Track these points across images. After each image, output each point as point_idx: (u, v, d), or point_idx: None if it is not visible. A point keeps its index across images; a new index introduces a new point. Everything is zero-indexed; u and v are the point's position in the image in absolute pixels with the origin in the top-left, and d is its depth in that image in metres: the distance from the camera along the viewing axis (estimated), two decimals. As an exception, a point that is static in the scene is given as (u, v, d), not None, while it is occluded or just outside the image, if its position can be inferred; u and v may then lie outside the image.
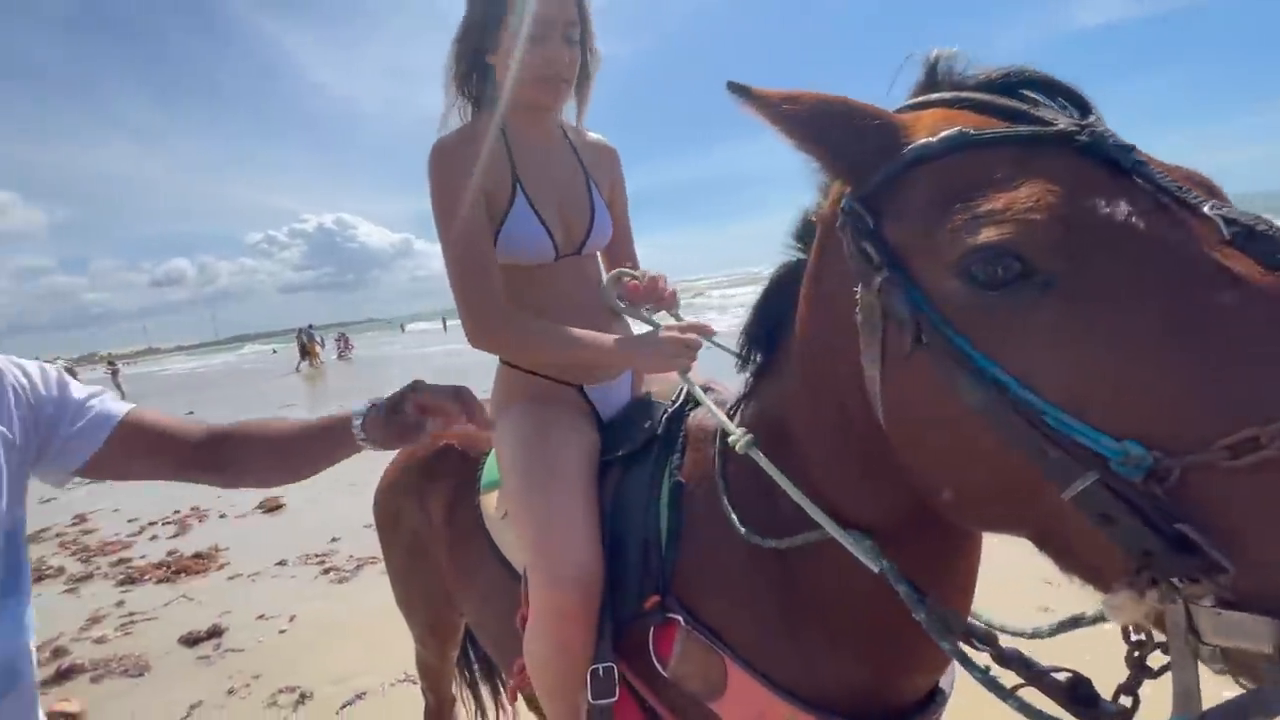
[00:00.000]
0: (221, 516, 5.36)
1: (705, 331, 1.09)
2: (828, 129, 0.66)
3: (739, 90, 0.68)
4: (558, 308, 1.21)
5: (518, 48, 1.13)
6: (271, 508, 5.35)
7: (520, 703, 1.24)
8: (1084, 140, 0.55)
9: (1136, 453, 0.46)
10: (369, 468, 1.68)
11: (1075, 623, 0.72)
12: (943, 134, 0.60)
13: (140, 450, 0.90)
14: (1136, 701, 0.56)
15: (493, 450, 1.42)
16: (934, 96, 0.67)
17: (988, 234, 0.53)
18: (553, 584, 1.00)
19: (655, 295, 1.24)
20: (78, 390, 0.88)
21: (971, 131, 0.58)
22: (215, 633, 3.29)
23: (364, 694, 2.65)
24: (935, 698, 0.92)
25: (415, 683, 1.95)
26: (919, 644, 0.80)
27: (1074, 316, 0.50)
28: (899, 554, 0.74)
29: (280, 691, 2.72)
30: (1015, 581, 0.82)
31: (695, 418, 1.09)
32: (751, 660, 0.86)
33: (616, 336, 1.12)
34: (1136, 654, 0.55)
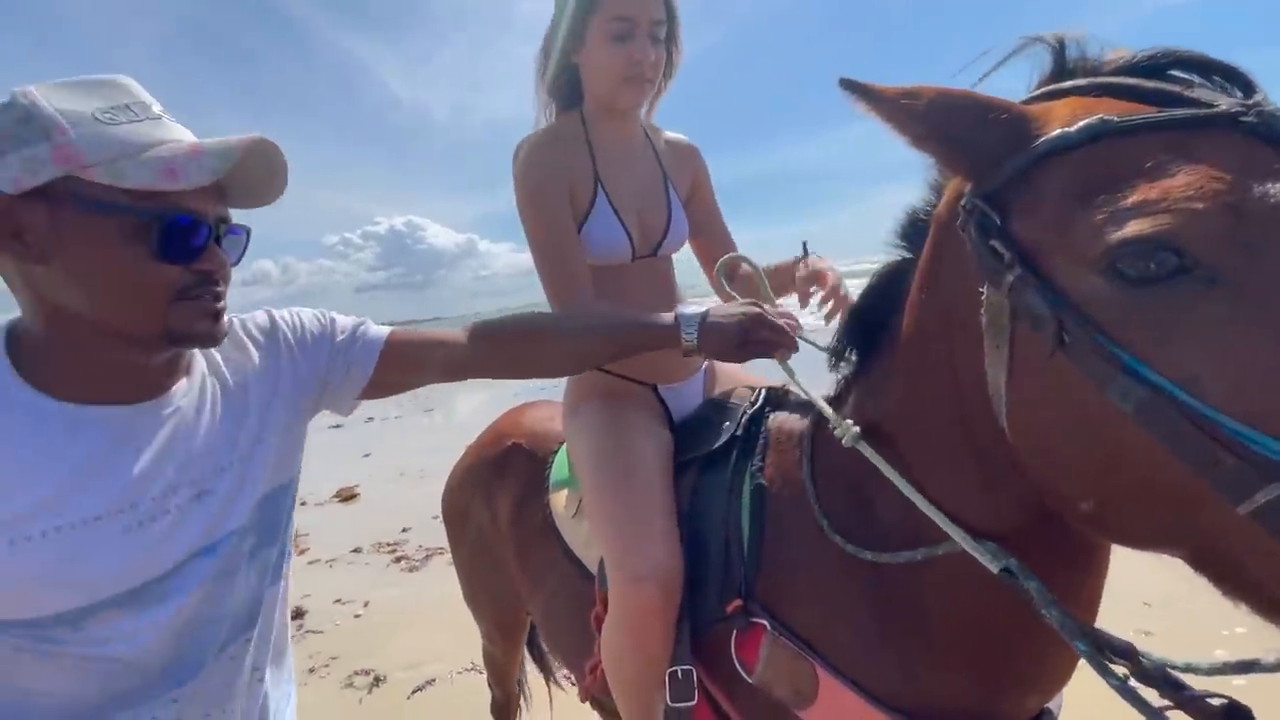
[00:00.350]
0: (302, 504, 5.66)
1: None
2: (950, 123, 0.61)
3: (854, 88, 0.65)
4: (637, 306, 1.19)
5: (603, 48, 1.12)
6: (347, 497, 5.61)
7: (572, 699, 1.23)
8: (1250, 121, 0.49)
9: None
10: (439, 461, 1.72)
11: (1248, 667, 0.63)
12: (1082, 122, 0.55)
13: (409, 366, 0.95)
14: None
15: (561, 448, 1.43)
16: (1067, 85, 0.62)
17: (1138, 226, 0.48)
18: (632, 581, 0.99)
19: (828, 287, 1.09)
20: (344, 322, 0.94)
21: (1115, 118, 0.53)
22: (298, 614, 3.47)
23: (433, 680, 2.73)
24: (1045, 715, 0.85)
25: (482, 673, 1.99)
26: (1032, 659, 0.75)
27: (1247, 313, 0.46)
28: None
29: (356, 674, 2.84)
30: (1109, 600, 0.76)
31: (777, 419, 1.05)
32: (845, 668, 0.83)
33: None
34: None
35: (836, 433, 0.85)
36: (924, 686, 0.80)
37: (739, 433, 1.08)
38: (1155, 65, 0.58)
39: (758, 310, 1.00)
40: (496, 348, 1.00)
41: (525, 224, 1.17)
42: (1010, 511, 0.70)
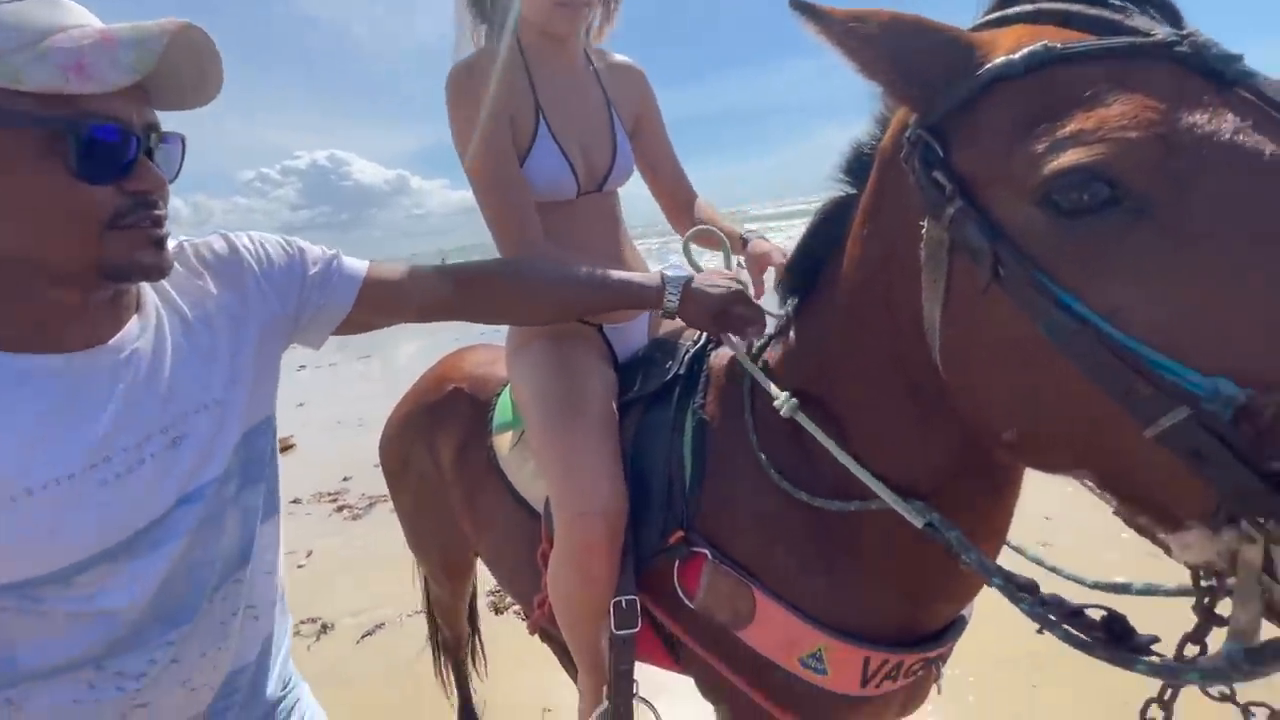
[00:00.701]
0: (233, 457, 5.45)
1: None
2: (898, 50, 0.60)
3: (803, 8, 0.62)
4: (577, 248, 1.17)
5: None
6: (284, 448, 5.43)
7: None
8: (1184, 51, 0.49)
9: (1228, 390, 0.44)
10: (378, 408, 1.67)
11: (1121, 589, 0.71)
12: (1025, 50, 0.54)
13: (386, 305, 0.91)
14: (1204, 651, 0.55)
15: (504, 391, 1.41)
16: (1012, 11, 0.61)
17: (1074, 155, 0.49)
18: (577, 518, 1.01)
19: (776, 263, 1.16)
20: (314, 253, 0.87)
21: (1058, 46, 0.53)
22: (235, 568, 3.40)
23: (382, 625, 2.75)
24: (957, 624, 0.94)
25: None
26: (954, 580, 0.81)
27: (1170, 246, 0.47)
28: (942, 500, 0.73)
29: (303, 622, 2.82)
30: (1015, 516, 0.85)
31: (719, 357, 1.07)
32: (781, 590, 0.88)
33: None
34: (1206, 600, 0.54)
35: (775, 404, 0.86)
36: (854, 604, 0.86)
37: (681, 371, 1.10)
38: None
39: (740, 288, 1.01)
40: (479, 292, 0.98)
41: (464, 159, 1.10)
42: (939, 448, 0.73)
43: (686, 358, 1.11)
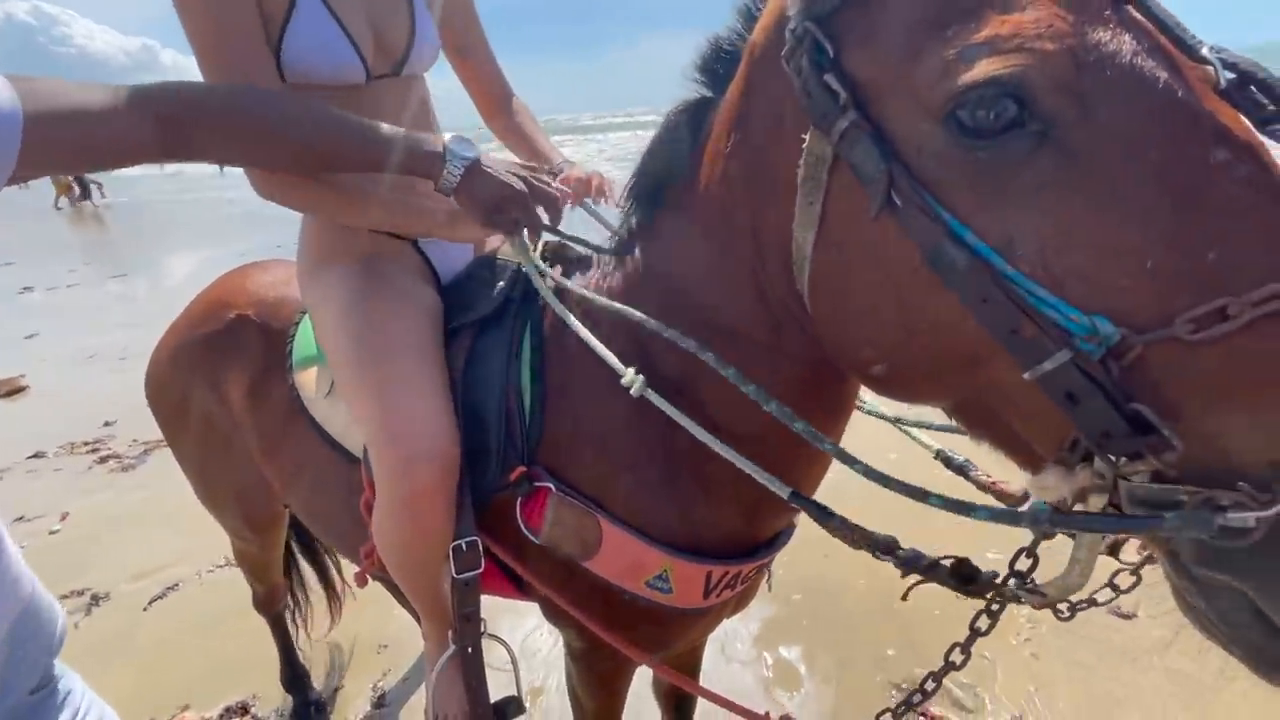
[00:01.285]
0: (-66, 406, 4.28)
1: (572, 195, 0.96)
2: None
3: None
4: None
5: None
6: (9, 391, 4.36)
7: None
8: None
9: (1105, 329, 0.43)
10: (144, 336, 1.34)
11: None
12: None
13: (62, 154, 0.68)
14: (1036, 563, 0.58)
15: (304, 319, 1.20)
16: None
17: (990, 66, 0.44)
18: (404, 464, 0.89)
19: (594, 190, 1.09)
20: None
21: None
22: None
23: (176, 586, 2.40)
24: (786, 531, 1.00)
25: (237, 567, 1.78)
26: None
27: (1066, 176, 0.44)
28: (781, 431, 0.71)
29: (64, 597, 2.36)
30: None
31: (556, 276, 0.98)
32: (627, 518, 0.86)
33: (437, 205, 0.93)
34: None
35: (623, 382, 0.77)
36: (698, 523, 0.87)
37: (514, 294, 0.99)
38: None
39: (536, 182, 0.89)
40: (191, 132, 0.74)
41: (182, 16, 0.84)
42: (790, 382, 0.73)
43: (519, 277, 1.00)
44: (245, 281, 1.33)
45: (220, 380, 1.26)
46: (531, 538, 0.90)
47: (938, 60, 0.47)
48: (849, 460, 0.63)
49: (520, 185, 0.87)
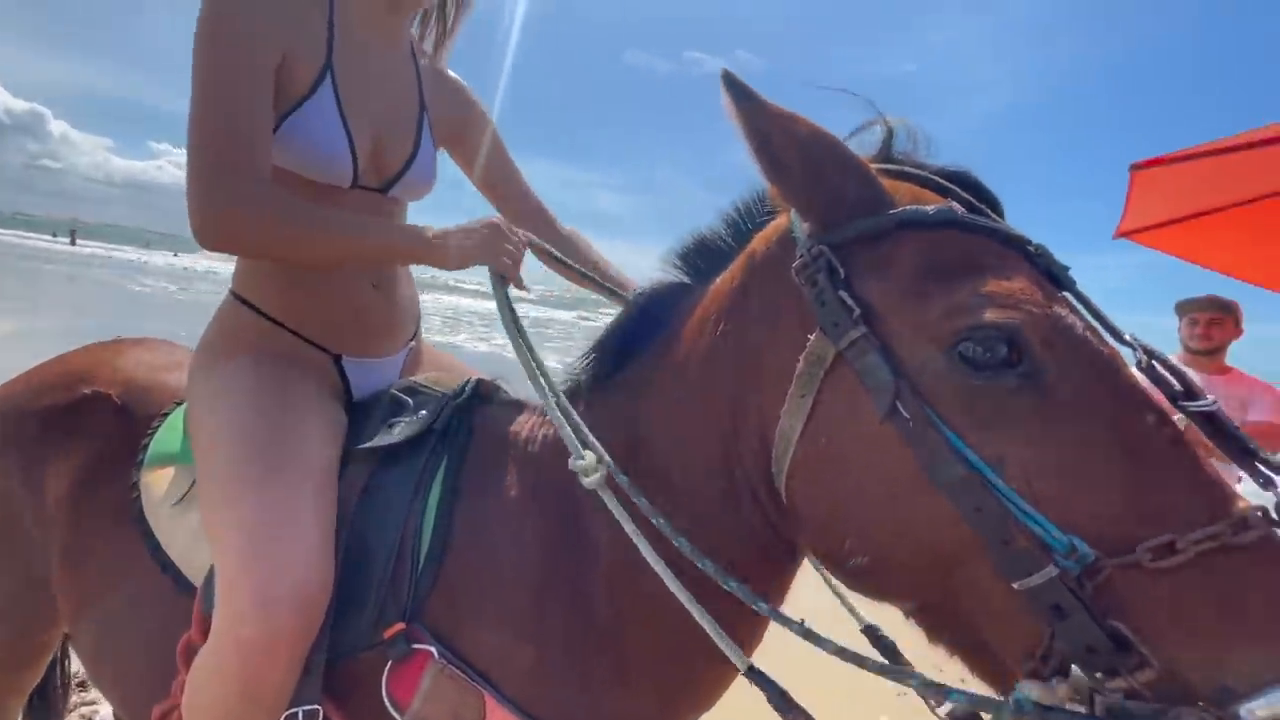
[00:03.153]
0: None
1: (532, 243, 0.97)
2: (822, 162, 0.62)
3: (737, 88, 0.61)
4: None
5: None
6: None
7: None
8: (1034, 251, 0.61)
9: (1082, 549, 0.49)
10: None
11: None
12: (938, 206, 0.61)
13: None
14: None
15: (176, 410, 1.06)
16: (898, 168, 0.69)
17: (992, 314, 0.54)
18: (259, 604, 0.75)
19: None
20: None
21: (963, 214, 0.61)
22: None
23: None
24: None
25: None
26: (709, 672, 0.79)
27: (1044, 412, 0.53)
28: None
29: None
30: None
31: (490, 415, 0.94)
32: (524, 702, 0.75)
33: (424, 226, 0.93)
34: None
35: (575, 465, 0.72)
36: (606, 708, 0.78)
37: (437, 425, 0.92)
38: (963, 178, 0.69)
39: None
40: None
41: (196, 60, 0.85)
42: (751, 547, 0.74)
43: (446, 409, 0.93)
44: (117, 357, 1.18)
45: (42, 461, 1.05)
46: (394, 713, 0.75)
47: (947, 302, 0.57)
48: (817, 641, 0.63)
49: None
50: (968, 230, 0.61)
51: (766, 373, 0.67)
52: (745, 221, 0.79)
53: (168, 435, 1.03)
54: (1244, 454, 0.57)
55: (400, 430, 0.92)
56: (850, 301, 0.59)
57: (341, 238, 0.88)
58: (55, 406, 1.08)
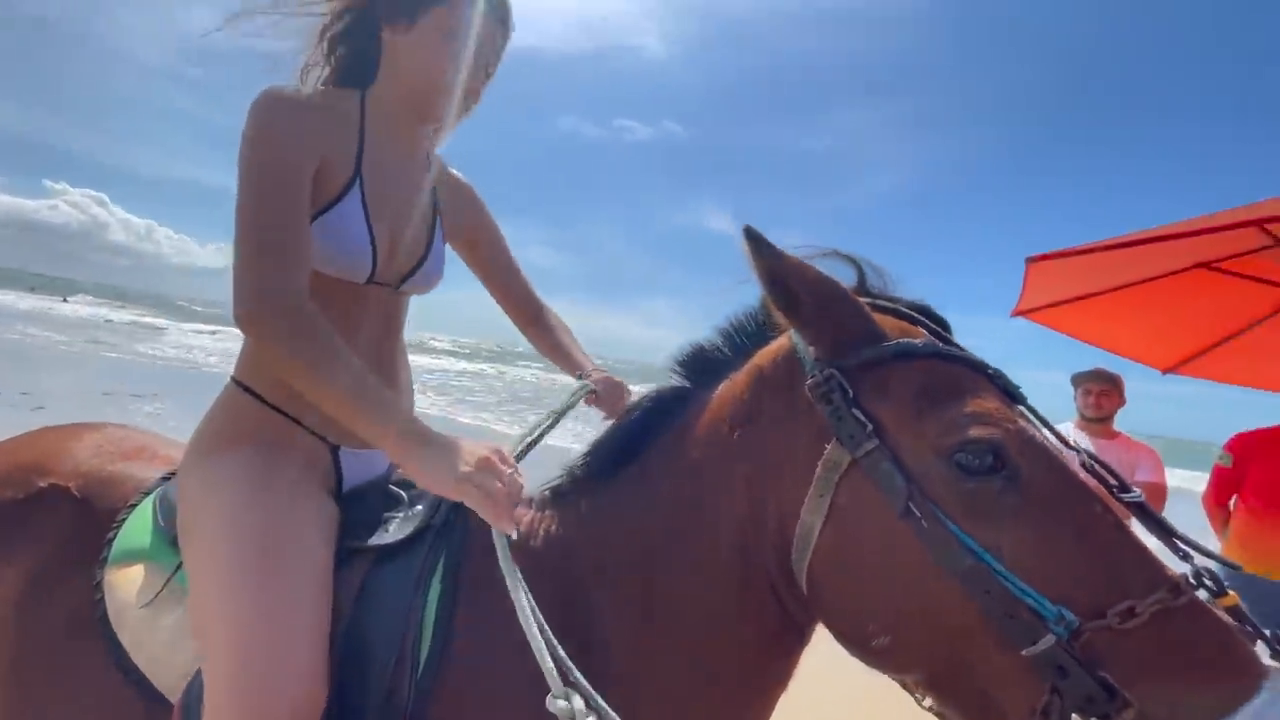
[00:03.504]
0: None
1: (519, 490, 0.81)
2: (825, 302, 0.74)
3: (758, 243, 0.72)
4: (350, 341, 0.94)
5: (438, 43, 0.99)
6: None
7: None
8: (993, 374, 0.74)
9: (1069, 616, 0.60)
10: None
11: None
12: (924, 340, 0.74)
13: None
14: None
15: (143, 502, 1.01)
16: (877, 303, 0.82)
17: (979, 430, 0.67)
18: (250, 714, 0.72)
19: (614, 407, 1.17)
20: None
21: (941, 345, 0.74)
22: None
23: None
24: None
25: None
26: None
27: (1030, 506, 0.65)
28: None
29: None
30: None
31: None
32: None
33: (410, 419, 0.84)
34: None
35: (557, 706, 0.64)
36: None
37: (436, 520, 0.90)
38: (926, 310, 0.83)
39: (488, 462, 0.78)
40: None
41: (241, 175, 0.89)
42: (757, 627, 0.79)
43: (444, 505, 0.91)
44: (75, 445, 1.11)
45: None
46: None
47: (940, 420, 0.69)
48: None
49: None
50: (945, 359, 0.75)
51: (784, 474, 0.76)
52: (739, 336, 0.90)
53: (136, 530, 0.97)
54: (1166, 534, 0.71)
55: (396, 527, 0.91)
56: (863, 417, 0.70)
57: (343, 392, 0.82)
58: (7, 502, 1.01)
